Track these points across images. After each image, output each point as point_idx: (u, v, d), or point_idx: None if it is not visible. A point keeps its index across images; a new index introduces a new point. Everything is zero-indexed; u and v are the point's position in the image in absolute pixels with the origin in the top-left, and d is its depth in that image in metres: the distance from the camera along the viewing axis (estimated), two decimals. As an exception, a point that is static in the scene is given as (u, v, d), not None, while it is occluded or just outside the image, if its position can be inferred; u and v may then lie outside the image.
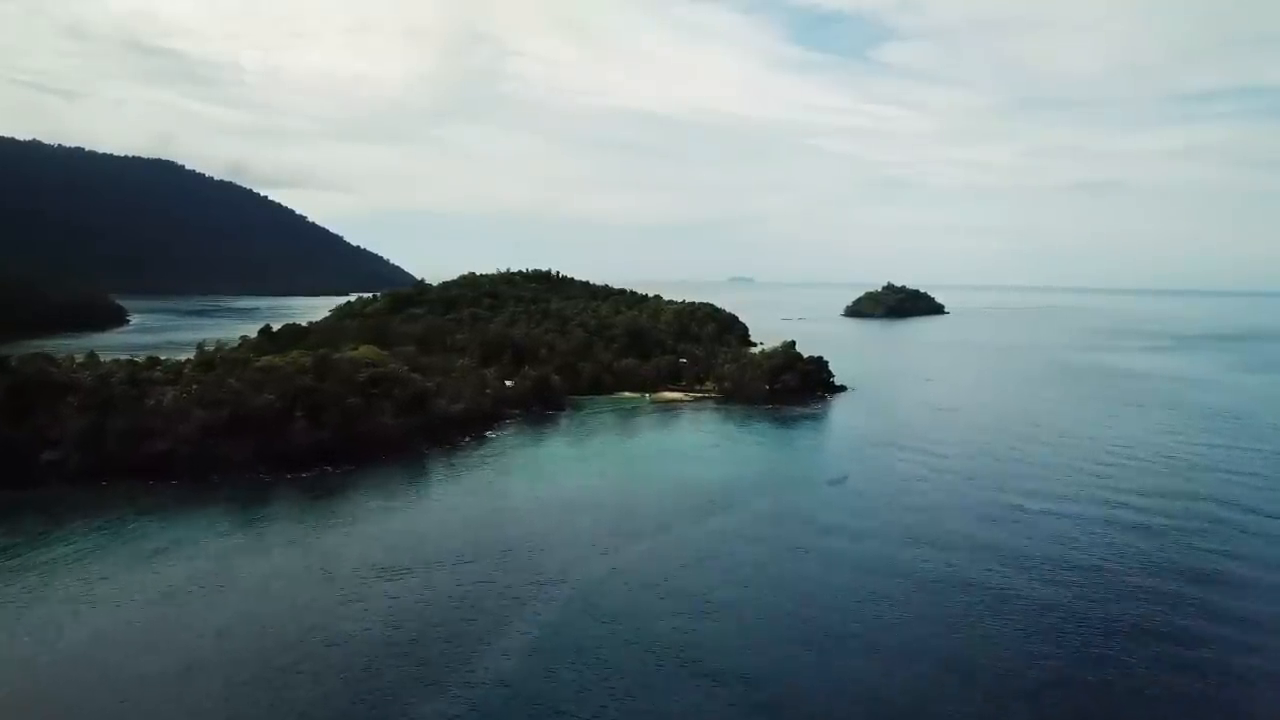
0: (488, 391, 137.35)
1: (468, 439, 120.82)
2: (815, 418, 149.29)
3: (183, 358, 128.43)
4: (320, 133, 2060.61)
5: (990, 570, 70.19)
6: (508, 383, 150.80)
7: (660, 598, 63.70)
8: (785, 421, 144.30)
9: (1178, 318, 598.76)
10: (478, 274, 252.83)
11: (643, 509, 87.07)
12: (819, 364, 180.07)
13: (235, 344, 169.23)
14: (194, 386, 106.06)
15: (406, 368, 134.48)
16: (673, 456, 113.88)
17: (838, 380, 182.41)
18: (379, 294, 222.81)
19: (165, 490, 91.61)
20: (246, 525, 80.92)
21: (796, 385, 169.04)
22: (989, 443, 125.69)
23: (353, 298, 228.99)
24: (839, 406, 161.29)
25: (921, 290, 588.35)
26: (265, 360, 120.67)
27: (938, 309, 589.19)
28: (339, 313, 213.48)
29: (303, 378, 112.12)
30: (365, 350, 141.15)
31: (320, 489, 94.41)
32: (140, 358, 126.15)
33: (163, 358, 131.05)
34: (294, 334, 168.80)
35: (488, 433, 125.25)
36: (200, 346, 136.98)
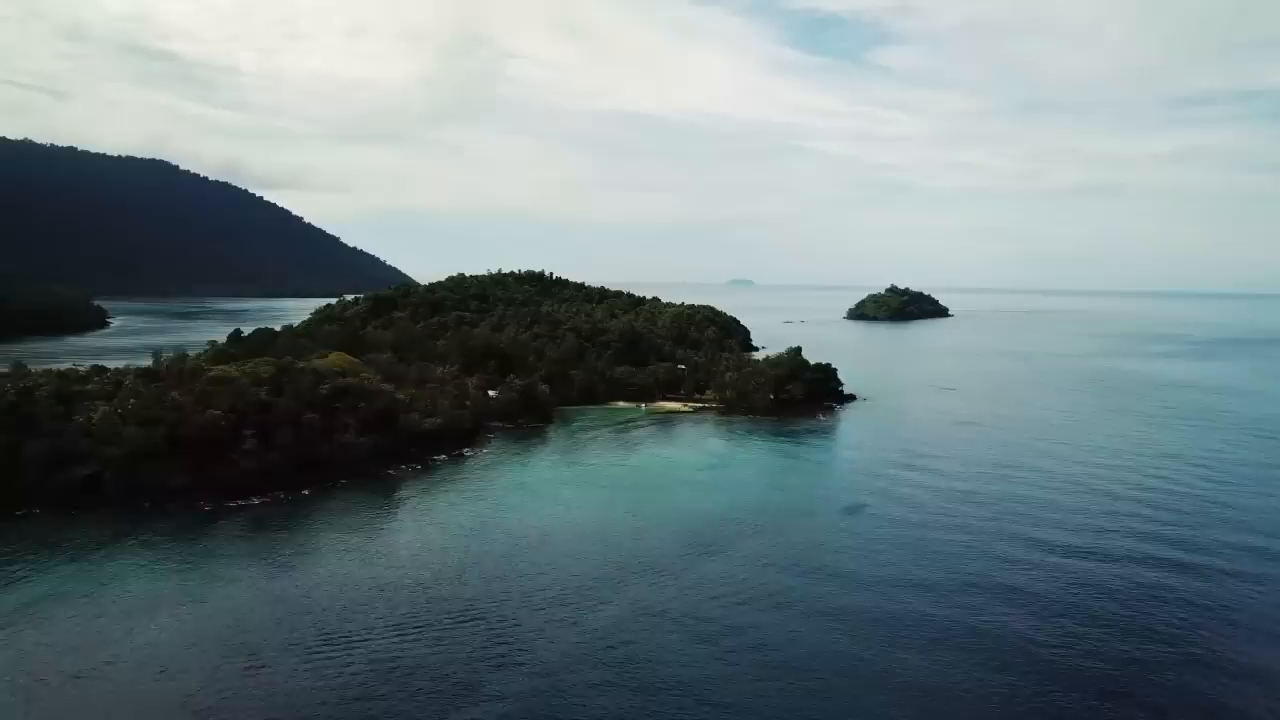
0: (467, 404, 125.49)
1: (442, 458, 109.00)
2: (824, 432, 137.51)
3: (141, 365, 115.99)
4: (319, 135, 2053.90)
5: (1048, 670, 57.81)
6: (491, 393, 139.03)
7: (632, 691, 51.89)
8: (792, 436, 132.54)
9: (1186, 320, 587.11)
10: (466, 275, 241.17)
11: (629, 551, 75.11)
12: (827, 372, 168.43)
13: (203, 350, 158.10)
14: (131, 401, 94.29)
15: (379, 378, 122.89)
16: (668, 480, 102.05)
17: (847, 389, 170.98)
18: (360, 296, 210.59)
19: (87, 523, 79.71)
20: (168, 568, 69.06)
21: (803, 396, 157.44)
22: (1018, 465, 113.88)
23: (333, 300, 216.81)
24: (849, 419, 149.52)
25: (925, 293, 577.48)
26: (218, 370, 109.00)
27: (942, 312, 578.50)
28: (318, 316, 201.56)
29: (257, 391, 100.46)
30: (335, 358, 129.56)
31: (266, 521, 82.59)
32: (84, 367, 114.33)
33: (113, 366, 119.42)
34: (263, 339, 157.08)
35: (465, 451, 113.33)
36: (157, 353, 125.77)
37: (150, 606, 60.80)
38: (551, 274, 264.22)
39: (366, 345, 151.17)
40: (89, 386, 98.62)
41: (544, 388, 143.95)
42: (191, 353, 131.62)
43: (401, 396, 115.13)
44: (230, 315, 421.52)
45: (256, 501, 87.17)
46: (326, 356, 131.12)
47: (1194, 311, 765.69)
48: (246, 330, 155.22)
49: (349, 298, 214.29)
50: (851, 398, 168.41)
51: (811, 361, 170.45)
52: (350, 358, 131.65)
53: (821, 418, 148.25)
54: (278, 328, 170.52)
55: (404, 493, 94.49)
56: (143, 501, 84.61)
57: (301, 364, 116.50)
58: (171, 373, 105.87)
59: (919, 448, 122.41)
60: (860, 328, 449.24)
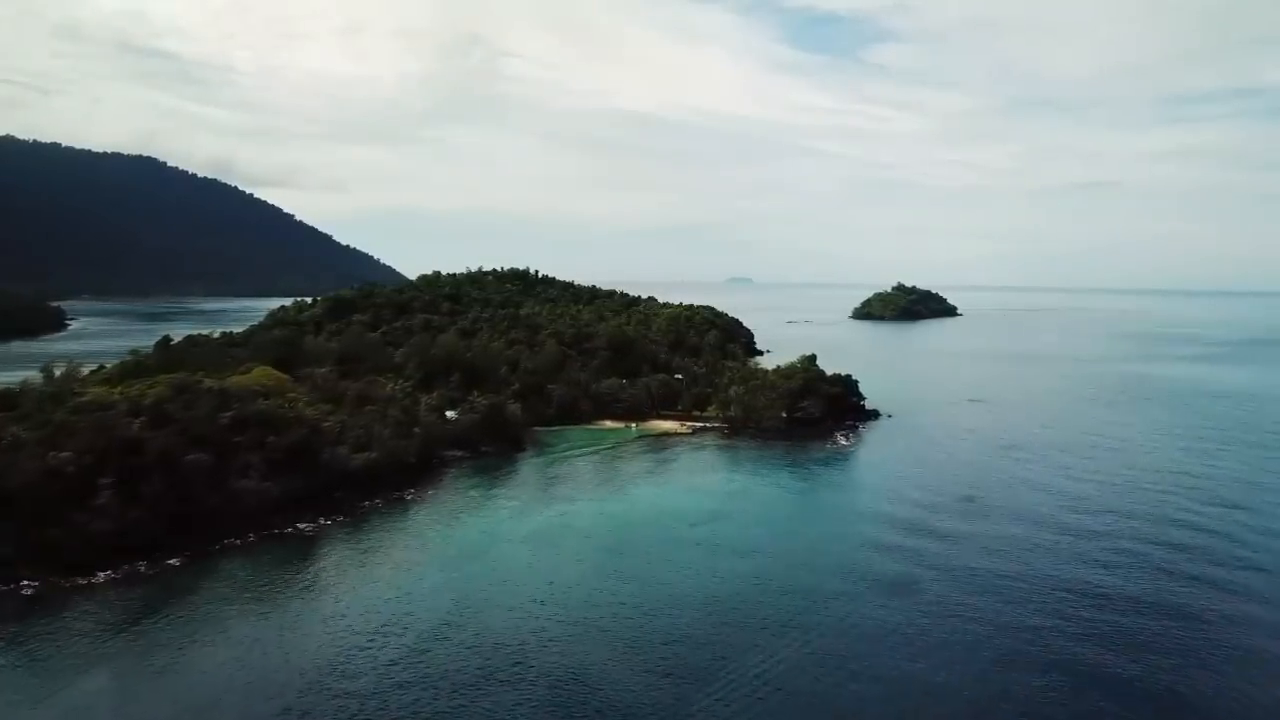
0: (415, 430, 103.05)
1: (376, 504, 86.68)
2: (849, 462, 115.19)
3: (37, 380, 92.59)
4: (314, 133, 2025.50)
5: None
6: (450, 414, 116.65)
7: None
8: (811, 467, 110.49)
9: (1198, 320, 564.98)
10: (441, 273, 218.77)
11: (604, 666, 52.89)
12: (846, 385, 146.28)
13: (121, 360, 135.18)
14: (-47, 440, 71.99)
15: (304, 399, 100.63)
16: (663, 536, 79.53)
17: (868, 403, 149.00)
18: (318, 297, 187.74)
19: None
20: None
21: (820, 413, 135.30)
22: (1086, 506, 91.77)
23: (289, 301, 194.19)
24: (875, 443, 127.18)
25: (932, 291, 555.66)
26: (92, 394, 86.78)
27: (950, 310, 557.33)
28: (269, 320, 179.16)
29: (129, 423, 78.12)
30: (257, 374, 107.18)
31: (113, 605, 60.48)
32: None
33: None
34: (185, 349, 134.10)
35: (407, 493, 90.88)
36: (47, 367, 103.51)
37: None
38: (536, 271, 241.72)
39: (307, 356, 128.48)
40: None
41: (515, 406, 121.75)
42: (81, 367, 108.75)
43: (328, 424, 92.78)
44: (206, 316, 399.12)
45: (102, 577, 64.91)
46: (249, 372, 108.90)
47: (1201, 310, 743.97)
48: (161, 337, 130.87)
49: (308, 299, 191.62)
50: (874, 414, 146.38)
51: (828, 371, 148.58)
52: (277, 373, 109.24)
53: (843, 441, 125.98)
54: (211, 333, 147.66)
55: (311, 560, 71.98)
56: (-57, 581, 62.44)
57: (210, 383, 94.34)
58: (31, 398, 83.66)
59: (964, 483, 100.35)
60: (868, 328, 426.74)
